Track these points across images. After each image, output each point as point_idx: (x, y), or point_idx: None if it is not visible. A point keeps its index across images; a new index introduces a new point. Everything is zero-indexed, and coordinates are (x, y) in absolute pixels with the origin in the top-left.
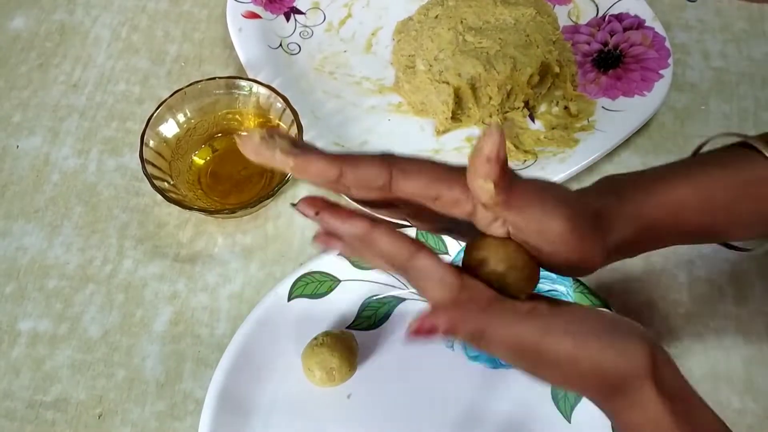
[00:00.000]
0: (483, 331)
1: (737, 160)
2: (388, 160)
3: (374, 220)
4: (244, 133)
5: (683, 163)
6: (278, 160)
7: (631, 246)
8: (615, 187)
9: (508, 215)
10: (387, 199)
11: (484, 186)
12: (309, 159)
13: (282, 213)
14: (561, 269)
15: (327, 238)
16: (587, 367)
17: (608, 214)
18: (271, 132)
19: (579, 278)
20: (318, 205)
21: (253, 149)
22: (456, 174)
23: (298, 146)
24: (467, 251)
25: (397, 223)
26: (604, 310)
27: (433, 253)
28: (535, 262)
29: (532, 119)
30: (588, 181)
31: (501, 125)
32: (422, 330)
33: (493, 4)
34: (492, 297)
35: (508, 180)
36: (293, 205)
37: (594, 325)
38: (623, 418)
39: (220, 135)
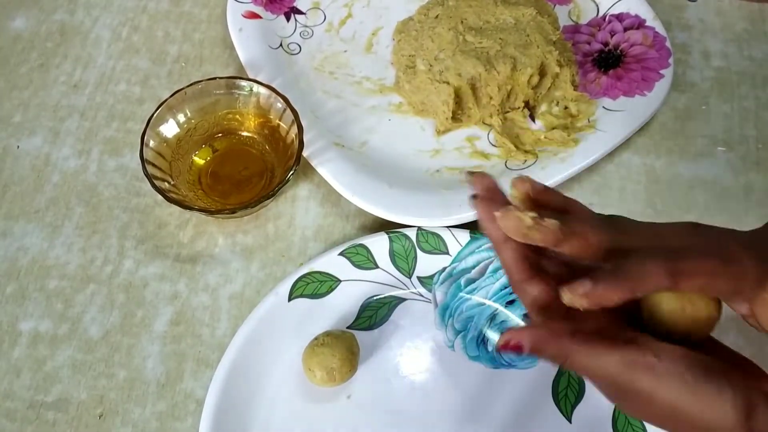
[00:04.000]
0: (566, 357)
1: None
2: (670, 268)
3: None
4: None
5: None
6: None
7: None
8: None
9: None
10: None
11: None
12: (599, 292)
13: (282, 213)
14: None
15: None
16: (668, 410)
17: None
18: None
19: None
20: (486, 189)
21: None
22: (735, 269)
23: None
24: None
25: None
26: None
27: (545, 284)
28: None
29: (533, 119)
30: (588, 181)
31: None
32: (508, 346)
33: (494, 4)
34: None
35: None
36: (470, 174)
37: (685, 365)
38: None
39: (220, 135)
